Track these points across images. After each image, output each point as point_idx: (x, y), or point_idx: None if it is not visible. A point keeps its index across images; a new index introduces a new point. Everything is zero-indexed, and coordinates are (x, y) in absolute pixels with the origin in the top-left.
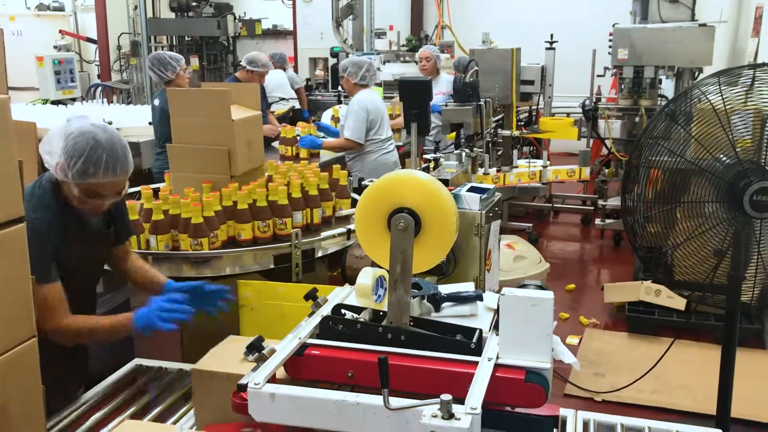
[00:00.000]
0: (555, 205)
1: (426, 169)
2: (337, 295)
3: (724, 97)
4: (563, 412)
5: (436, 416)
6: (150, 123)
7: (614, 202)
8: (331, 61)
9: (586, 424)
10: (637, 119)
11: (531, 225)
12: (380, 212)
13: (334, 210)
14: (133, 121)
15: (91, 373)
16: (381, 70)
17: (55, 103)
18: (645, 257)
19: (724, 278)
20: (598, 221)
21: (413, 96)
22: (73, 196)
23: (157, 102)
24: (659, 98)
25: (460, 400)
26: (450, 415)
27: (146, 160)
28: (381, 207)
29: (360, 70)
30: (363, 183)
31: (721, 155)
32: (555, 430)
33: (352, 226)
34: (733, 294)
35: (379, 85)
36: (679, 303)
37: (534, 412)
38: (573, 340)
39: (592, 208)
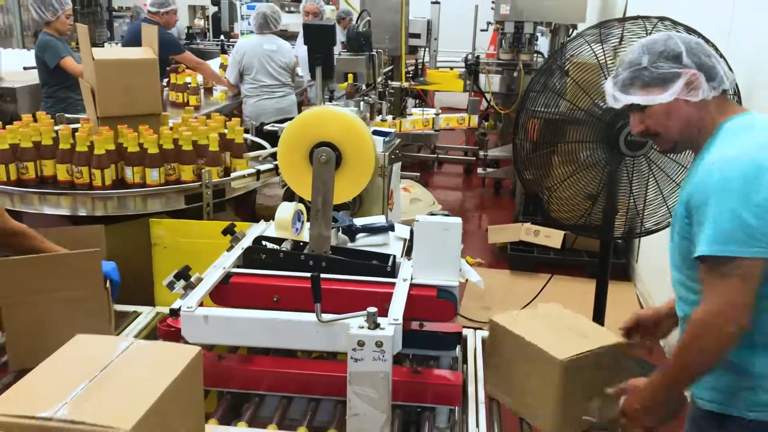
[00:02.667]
0: (439, 156)
1: None
2: (254, 230)
3: (604, 47)
4: (465, 331)
5: (362, 327)
6: (24, 68)
7: (494, 153)
8: (212, 9)
9: (484, 340)
10: (515, 74)
11: (418, 174)
12: (303, 146)
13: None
14: (6, 66)
15: None
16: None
17: None
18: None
19: (597, 218)
20: (480, 170)
21: (317, 40)
22: None
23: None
24: (535, 54)
25: (382, 317)
26: (375, 325)
27: (22, 107)
28: (303, 141)
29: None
30: (265, 128)
31: (599, 101)
32: (458, 345)
33: (261, 167)
34: (608, 228)
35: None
36: (555, 242)
37: (440, 329)
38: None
39: (474, 158)
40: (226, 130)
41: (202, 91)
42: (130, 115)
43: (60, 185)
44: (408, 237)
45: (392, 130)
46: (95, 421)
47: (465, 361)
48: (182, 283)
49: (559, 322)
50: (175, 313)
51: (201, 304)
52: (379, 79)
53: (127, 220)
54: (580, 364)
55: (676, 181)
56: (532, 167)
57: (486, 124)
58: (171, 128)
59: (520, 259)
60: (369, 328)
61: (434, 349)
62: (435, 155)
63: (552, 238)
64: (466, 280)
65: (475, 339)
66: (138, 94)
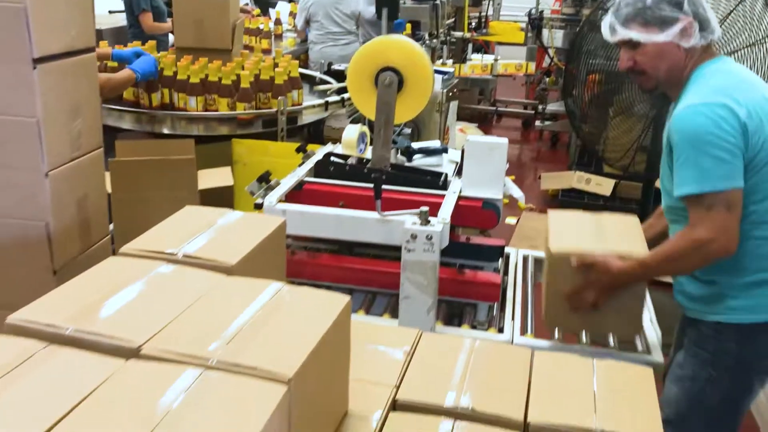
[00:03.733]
0: (499, 109)
1: None
2: (323, 149)
3: None
4: (508, 249)
5: (415, 223)
6: (110, 12)
7: (553, 107)
8: None
9: (525, 258)
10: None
11: (476, 124)
12: (369, 71)
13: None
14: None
15: None
16: None
17: None
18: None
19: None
20: (537, 123)
21: None
22: None
23: None
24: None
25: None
26: (426, 222)
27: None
28: (369, 66)
29: None
30: (332, 67)
31: None
32: (501, 258)
33: (330, 99)
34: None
35: None
36: (606, 189)
37: (485, 242)
38: (511, 220)
39: (533, 112)
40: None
41: (272, 36)
42: (201, 47)
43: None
44: (459, 160)
45: (451, 69)
46: (255, 365)
47: (506, 273)
48: (264, 185)
49: (607, 227)
50: (258, 207)
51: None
52: (441, 30)
53: (215, 141)
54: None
55: None
56: (589, 120)
57: (548, 80)
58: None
59: (570, 205)
60: (421, 224)
61: (479, 259)
62: (494, 108)
63: (603, 186)
64: (517, 221)
65: (517, 255)
66: (209, 30)
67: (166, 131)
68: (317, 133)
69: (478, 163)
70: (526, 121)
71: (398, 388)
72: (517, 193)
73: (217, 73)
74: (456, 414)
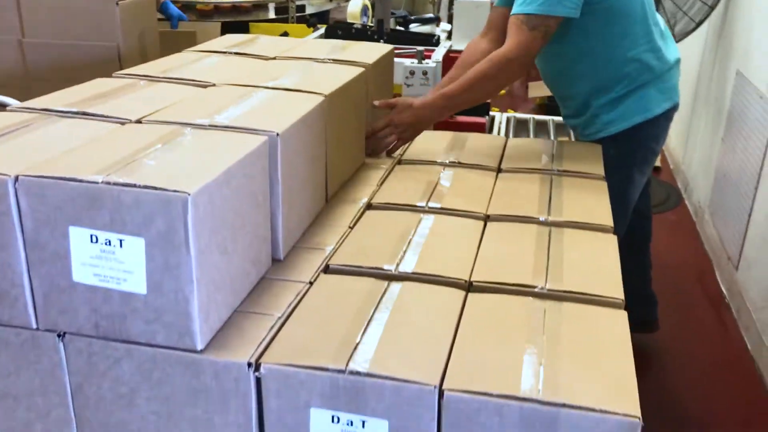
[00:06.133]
0: None
1: None
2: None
3: None
4: (493, 112)
5: (413, 62)
6: None
7: None
8: None
9: (508, 120)
10: None
11: None
12: None
13: None
14: None
15: None
16: None
17: None
18: None
19: None
20: None
21: None
22: None
23: None
24: None
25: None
26: (422, 60)
27: None
28: None
29: None
30: None
31: None
32: (487, 114)
33: None
34: None
35: None
36: None
37: None
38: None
39: None
40: None
41: None
42: None
43: None
44: (450, 28)
45: None
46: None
47: (491, 130)
48: None
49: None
50: None
51: None
52: None
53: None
54: None
55: None
56: None
57: None
58: None
59: (557, 112)
60: (418, 62)
61: (468, 114)
62: None
63: None
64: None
65: (501, 117)
66: None
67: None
68: (323, 22)
69: (465, 21)
70: None
71: (405, 152)
72: None
73: None
74: (447, 165)
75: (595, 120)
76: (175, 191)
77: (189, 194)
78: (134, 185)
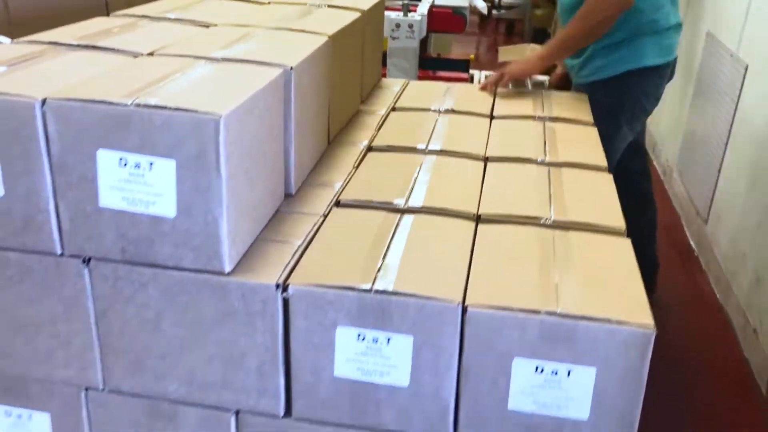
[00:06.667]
0: None
1: None
2: None
3: None
4: (472, 71)
5: (399, 15)
6: None
7: None
8: None
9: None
10: None
11: None
12: None
13: None
14: None
15: None
16: None
17: None
18: None
19: None
20: (494, 12)
21: None
22: None
23: None
24: None
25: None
26: (407, 13)
27: None
28: None
29: None
30: None
31: None
32: (467, 71)
33: None
34: None
35: None
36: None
37: (454, 56)
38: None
39: (489, 4)
40: None
41: None
42: None
43: None
44: None
45: None
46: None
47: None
48: None
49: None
50: None
51: None
52: None
53: None
54: None
55: None
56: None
57: None
58: None
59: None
60: (403, 15)
61: (450, 69)
62: None
63: None
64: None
65: (480, 74)
66: None
67: None
68: None
69: None
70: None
71: (398, 100)
72: (480, 3)
73: None
74: (441, 112)
75: (590, 62)
76: (206, 113)
77: (221, 116)
78: (165, 107)
